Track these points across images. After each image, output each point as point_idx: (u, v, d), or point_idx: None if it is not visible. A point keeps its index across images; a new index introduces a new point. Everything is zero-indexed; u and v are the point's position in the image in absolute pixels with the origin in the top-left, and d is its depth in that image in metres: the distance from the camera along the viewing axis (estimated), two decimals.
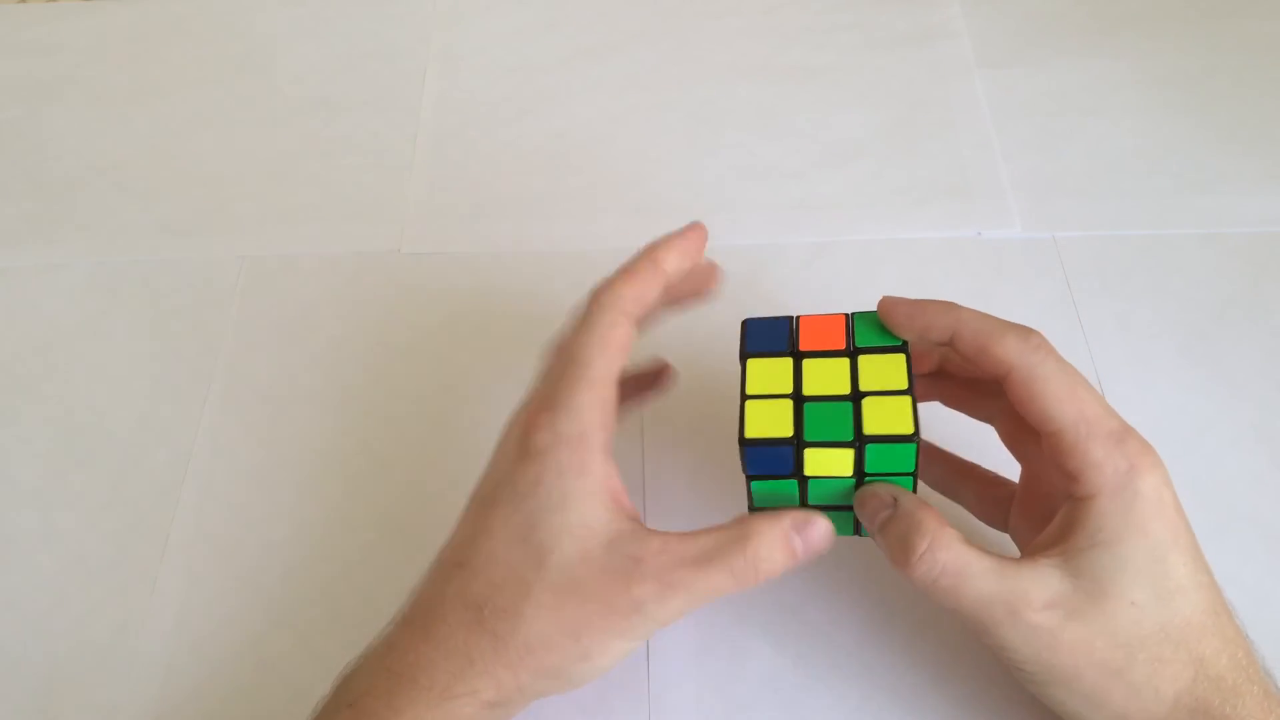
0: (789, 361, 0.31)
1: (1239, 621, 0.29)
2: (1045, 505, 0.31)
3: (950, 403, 0.35)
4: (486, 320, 0.45)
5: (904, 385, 0.29)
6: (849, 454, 0.29)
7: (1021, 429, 0.32)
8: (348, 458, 0.41)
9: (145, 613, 0.37)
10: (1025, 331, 0.29)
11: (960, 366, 0.34)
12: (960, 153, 0.50)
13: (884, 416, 0.29)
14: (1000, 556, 0.28)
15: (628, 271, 0.31)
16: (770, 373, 0.30)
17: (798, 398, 0.30)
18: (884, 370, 0.30)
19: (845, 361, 0.30)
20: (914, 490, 0.30)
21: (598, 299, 0.31)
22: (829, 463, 0.29)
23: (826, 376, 0.30)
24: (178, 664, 0.36)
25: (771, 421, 0.29)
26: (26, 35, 0.58)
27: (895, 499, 0.29)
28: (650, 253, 0.32)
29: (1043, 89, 0.52)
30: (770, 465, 0.30)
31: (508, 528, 0.29)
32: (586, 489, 0.29)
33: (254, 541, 0.39)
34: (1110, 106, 0.51)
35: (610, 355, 0.30)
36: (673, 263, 0.32)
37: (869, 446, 0.29)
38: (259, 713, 0.35)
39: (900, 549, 0.28)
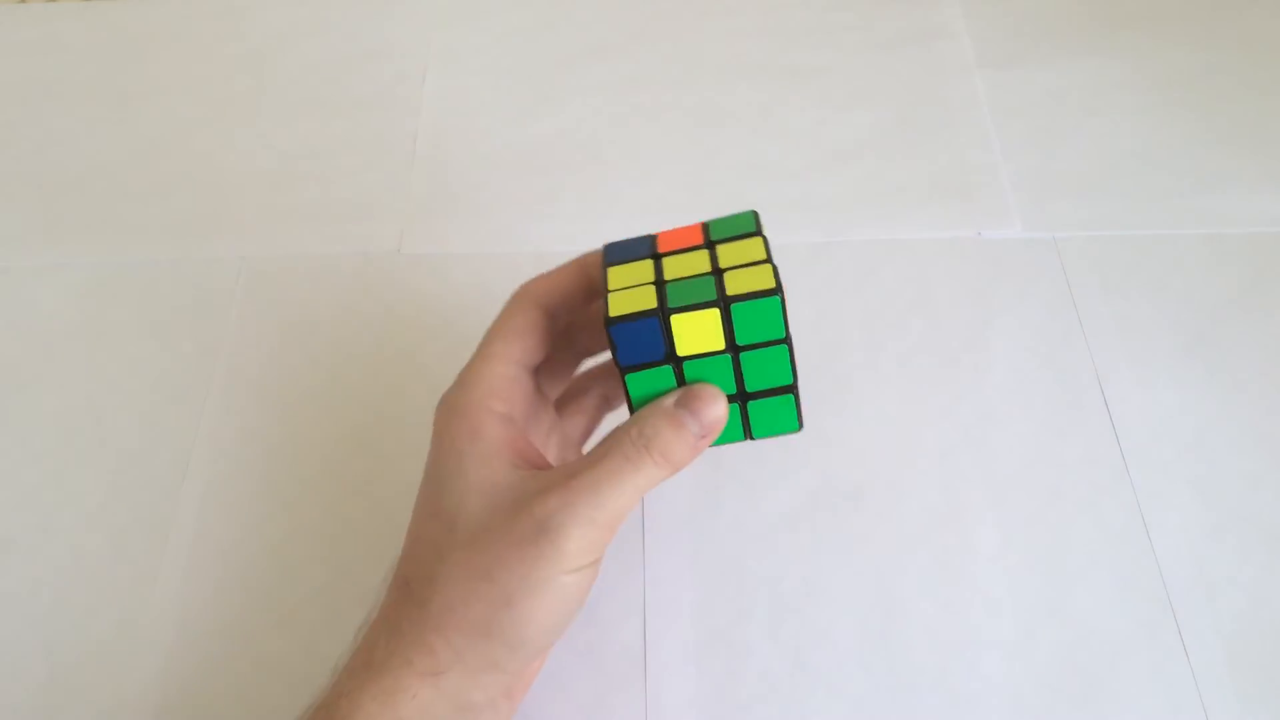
0: (650, 262, 0.31)
1: None
2: None
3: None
4: (486, 320, 0.45)
5: (763, 256, 0.29)
6: (716, 315, 0.28)
7: None
8: (348, 458, 0.41)
9: (145, 612, 0.37)
10: None
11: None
12: (960, 153, 0.50)
13: (745, 280, 0.29)
14: None
15: (547, 271, 0.33)
16: (632, 272, 0.31)
17: (660, 282, 0.30)
18: (742, 251, 0.30)
19: (704, 251, 0.31)
20: (791, 360, 0.29)
21: (513, 293, 0.33)
22: (699, 333, 0.29)
23: (687, 264, 0.30)
24: (178, 664, 0.36)
25: (636, 300, 0.29)
26: (26, 35, 0.58)
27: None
28: (579, 257, 0.33)
29: (1043, 89, 0.52)
30: (642, 349, 0.29)
31: (422, 507, 0.31)
32: (481, 451, 0.30)
33: (254, 541, 0.39)
34: (1110, 106, 0.51)
35: (509, 336, 0.32)
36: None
37: (734, 307, 0.28)
38: (259, 712, 0.35)
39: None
